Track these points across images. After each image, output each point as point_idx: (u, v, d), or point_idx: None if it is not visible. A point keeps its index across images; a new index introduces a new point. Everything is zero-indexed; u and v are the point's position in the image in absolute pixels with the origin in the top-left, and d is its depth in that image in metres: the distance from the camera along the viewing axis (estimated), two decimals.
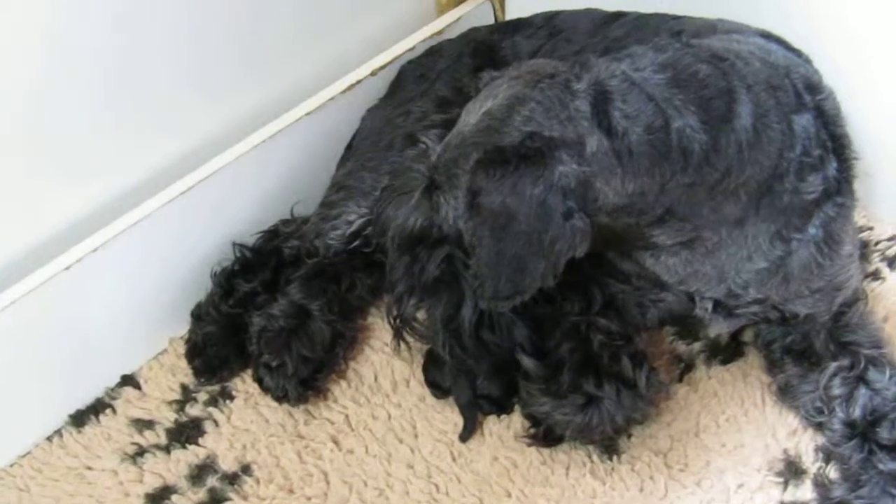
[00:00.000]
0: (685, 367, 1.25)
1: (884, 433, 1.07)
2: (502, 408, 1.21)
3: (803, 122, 1.01)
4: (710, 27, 1.16)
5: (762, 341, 1.22)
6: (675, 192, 0.96)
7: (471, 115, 0.98)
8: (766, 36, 1.12)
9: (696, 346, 1.27)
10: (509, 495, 1.13)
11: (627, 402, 1.10)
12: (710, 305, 1.12)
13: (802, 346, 1.17)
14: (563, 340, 1.11)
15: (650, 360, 1.17)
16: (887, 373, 1.10)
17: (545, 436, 1.15)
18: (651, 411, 1.15)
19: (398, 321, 1.12)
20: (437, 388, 1.23)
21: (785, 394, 1.19)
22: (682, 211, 0.98)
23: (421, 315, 1.13)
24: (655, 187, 0.95)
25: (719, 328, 1.18)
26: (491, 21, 1.61)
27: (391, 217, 1.08)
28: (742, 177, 0.97)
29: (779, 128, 0.98)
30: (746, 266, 1.05)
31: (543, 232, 0.91)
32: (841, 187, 1.04)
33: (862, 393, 1.10)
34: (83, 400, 1.25)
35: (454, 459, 1.17)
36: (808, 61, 1.13)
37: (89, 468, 1.18)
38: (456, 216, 0.99)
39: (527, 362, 1.10)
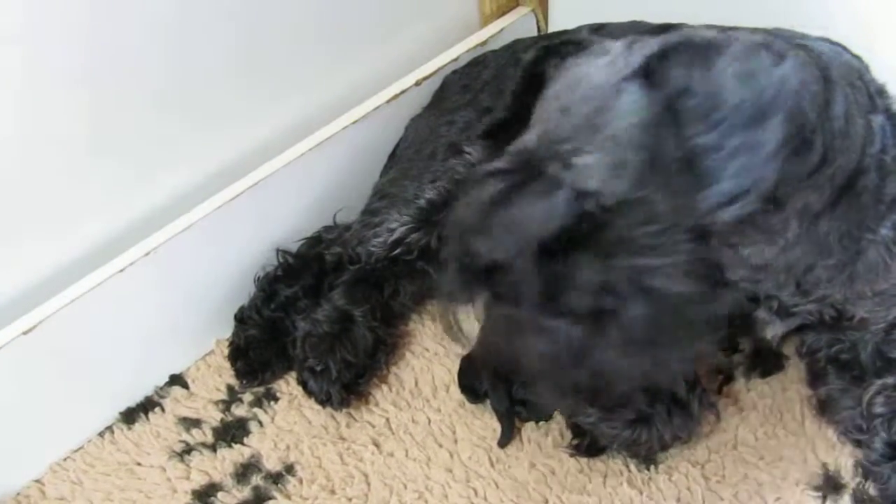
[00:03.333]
0: (724, 379, 1.25)
1: None
2: (540, 414, 1.22)
3: (879, 121, 0.99)
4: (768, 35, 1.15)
5: (807, 349, 1.21)
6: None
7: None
8: (829, 42, 1.12)
9: (736, 357, 1.27)
10: (546, 502, 1.14)
11: (678, 422, 1.10)
12: (775, 304, 1.10)
13: (848, 357, 1.16)
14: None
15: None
16: None
17: (588, 447, 1.16)
18: (699, 431, 1.16)
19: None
20: (473, 394, 1.24)
21: (825, 408, 1.18)
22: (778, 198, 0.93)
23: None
24: None
25: (775, 329, 1.15)
26: (534, 33, 1.63)
27: (514, 223, 0.76)
28: (833, 166, 0.93)
29: (861, 122, 0.95)
30: (817, 262, 1.02)
31: None
32: None
33: None
34: (133, 398, 1.29)
35: (493, 465, 1.18)
36: (867, 69, 1.12)
37: (139, 464, 1.22)
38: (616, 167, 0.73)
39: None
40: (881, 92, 1.03)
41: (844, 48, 1.10)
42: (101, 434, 1.26)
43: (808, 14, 1.25)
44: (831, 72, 0.94)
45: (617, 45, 0.82)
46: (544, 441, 1.20)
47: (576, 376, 0.80)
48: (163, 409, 1.28)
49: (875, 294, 1.08)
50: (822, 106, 0.88)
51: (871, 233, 1.01)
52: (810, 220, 0.98)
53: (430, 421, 1.24)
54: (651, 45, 0.79)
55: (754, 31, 1.19)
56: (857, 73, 1.01)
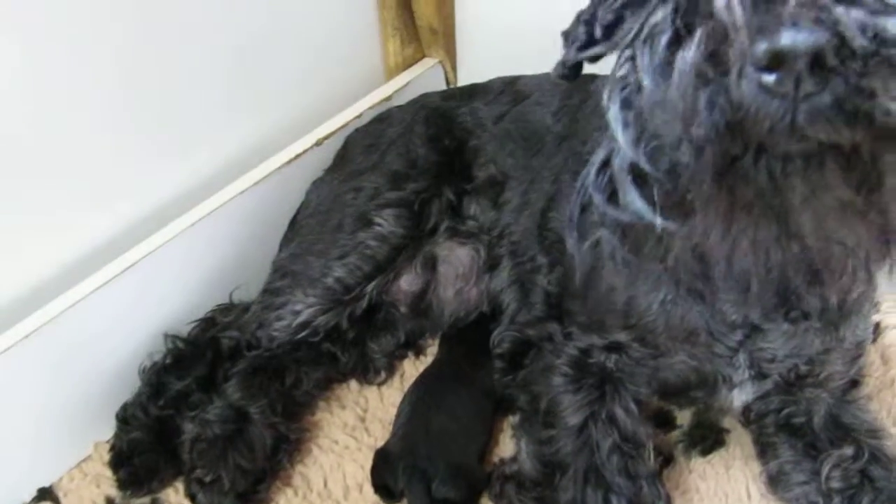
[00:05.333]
0: (664, 461, 1.15)
1: None
2: None
3: None
4: None
5: (755, 415, 1.12)
6: None
7: None
8: None
9: (675, 434, 1.18)
10: None
11: None
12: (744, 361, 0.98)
13: (800, 421, 1.07)
14: (566, 437, 1.02)
15: None
16: (893, 471, 1.02)
17: None
18: None
19: None
20: (388, 494, 1.11)
21: (776, 484, 1.09)
22: None
23: None
24: None
25: (744, 395, 1.04)
26: (443, 86, 1.55)
27: None
28: None
29: None
30: None
31: None
32: None
33: (867, 490, 1.01)
34: None
35: None
36: None
37: None
38: None
39: (527, 465, 1.02)
40: None
41: None
42: None
43: None
44: None
45: None
46: None
47: None
48: None
49: (850, 343, 1.00)
50: None
51: None
52: None
53: None
54: None
55: None
56: None
